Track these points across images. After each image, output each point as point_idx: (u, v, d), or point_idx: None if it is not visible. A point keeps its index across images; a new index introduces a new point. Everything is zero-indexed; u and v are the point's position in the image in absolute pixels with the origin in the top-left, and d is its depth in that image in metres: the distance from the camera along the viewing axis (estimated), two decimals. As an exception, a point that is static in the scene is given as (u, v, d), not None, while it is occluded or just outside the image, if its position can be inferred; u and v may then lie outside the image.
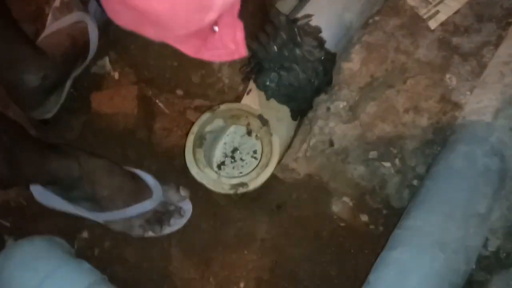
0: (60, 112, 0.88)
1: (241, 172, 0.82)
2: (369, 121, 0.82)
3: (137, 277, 0.78)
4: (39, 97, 0.82)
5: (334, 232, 0.78)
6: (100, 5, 0.48)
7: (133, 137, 0.87)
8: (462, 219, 0.64)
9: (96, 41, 0.88)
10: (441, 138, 0.77)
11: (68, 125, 0.88)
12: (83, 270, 0.69)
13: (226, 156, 0.85)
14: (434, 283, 0.61)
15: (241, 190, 0.76)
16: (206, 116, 0.81)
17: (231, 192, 0.76)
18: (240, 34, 0.52)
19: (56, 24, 0.86)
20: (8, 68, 0.77)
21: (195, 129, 0.79)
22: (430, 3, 0.87)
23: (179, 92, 0.91)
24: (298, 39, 0.76)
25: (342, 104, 0.83)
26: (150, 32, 0.46)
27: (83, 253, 0.78)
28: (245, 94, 0.84)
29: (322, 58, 0.78)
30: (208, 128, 0.82)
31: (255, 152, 0.85)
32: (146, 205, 0.76)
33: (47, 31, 0.86)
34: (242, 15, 0.50)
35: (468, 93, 0.79)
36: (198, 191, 0.81)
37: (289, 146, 0.84)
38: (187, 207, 0.81)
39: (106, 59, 0.92)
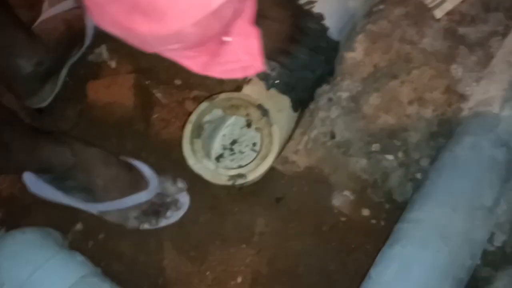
0: (56, 101, 0.86)
1: (240, 165, 0.80)
2: (372, 113, 0.80)
3: (132, 270, 0.76)
4: (34, 85, 0.81)
5: (334, 227, 0.76)
6: None
7: (130, 127, 0.85)
8: (467, 212, 0.62)
9: (92, 27, 0.86)
10: (446, 130, 0.76)
11: (64, 114, 0.86)
12: (75, 262, 0.68)
13: (225, 148, 0.83)
14: (437, 278, 0.59)
15: (239, 181, 0.74)
16: (204, 105, 0.79)
17: (229, 183, 0.74)
18: (255, 43, 0.46)
19: (52, 10, 0.84)
20: (0, 54, 0.76)
21: (193, 118, 0.77)
22: (436, -8, 0.85)
23: (178, 81, 0.89)
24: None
25: (344, 95, 0.82)
26: (143, 28, 0.39)
27: (77, 245, 0.76)
28: (245, 84, 0.82)
29: (324, 46, 0.76)
30: (207, 118, 0.80)
31: (254, 144, 0.83)
32: (142, 196, 0.75)
33: (42, 17, 0.84)
34: (260, 20, 0.44)
35: (475, 84, 0.78)
36: (196, 183, 0.79)
37: (289, 138, 0.82)
38: (184, 199, 0.79)
39: (103, 47, 0.91)
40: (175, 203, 0.78)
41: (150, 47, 0.43)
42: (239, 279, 0.75)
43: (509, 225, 0.65)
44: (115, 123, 0.84)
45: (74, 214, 0.78)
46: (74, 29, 0.84)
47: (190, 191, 0.80)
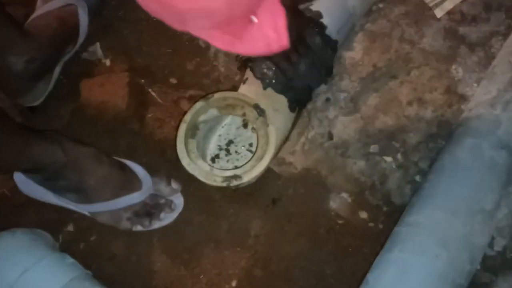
0: (49, 100, 0.85)
1: (235, 166, 0.79)
2: (371, 113, 0.79)
3: (124, 273, 0.74)
4: (26, 83, 0.79)
5: (331, 229, 0.75)
6: None
7: (124, 127, 0.84)
8: (466, 216, 0.61)
9: (86, 25, 0.85)
10: (445, 131, 0.75)
11: (56, 112, 0.85)
12: (65, 265, 0.66)
13: (220, 149, 0.82)
14: (436, 283, 0.58)
15: (234, 182, 0.72)
16: (199, 105, 0.77)
17: (224, 184, 0.72)
18: (282, 21, 0.47)
19: (46, 7, 0.83)
20: (-9, 52, 0.75)
21: (187, 118, 0.76)
22: (437, -9, 0.84)
23: (173, 80, 0.87)
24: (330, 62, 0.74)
25: (342, 95, 0.81)
26: (177, 3, 0.41)
27: (68, 247, 0.75)
28: (242, 83, 0.81)
29: (323, 45, 0.74)
30: (202, 118, 0.78)
31: (250, 145, 0.81)
32: (135, 197, 0.73)
33: (36, 13, 0.83)
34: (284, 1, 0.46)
35: (475, 84, 0.77)
36: (190, 184, 0.78)
37: (286, 138, 0.81)
38: (179, 201, 0.78)
39: (97, 45, 0.89)
40: (169, 205, 0.76)
41: (181, 24, 0.44)
42: (234, 283, 0.73)
43: (509, 229, 0.64)
44: (108, 122, 0.83)
45: (66, 215, 0.76)
46: (67, 26, 0.83)
47: (184, 192, 0.78)
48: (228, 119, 0.83)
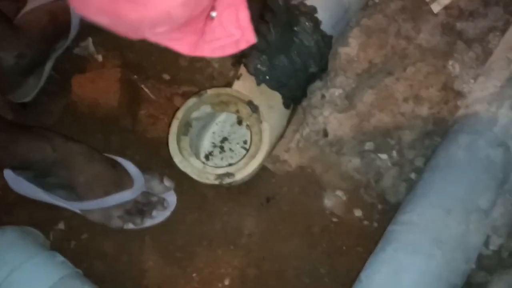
0: (40, 95, 0.84)
1: (230, 164, 0.78)
2: (366, 110, 0.78)
3: (115, 272, 0.73)
4: (16, 78, 0.78)
5: (326, 228, 0.74)
6: None
7: (116, 123, 0.82)
8: (462, 215, 0.60)
9: (78, 20, 0.83)
10: (441, 129, 0.74)
11: (48, 109, 0.84)
12: (55, 263, 0.65)
13: (214, 146, 0.81)
14: (430, 283, 0.57)
15: (227, 180, 0.71)
16: (192, 101, 0.76)
17: (216, 182, 0.71)
18: (244, 14, 0.42)
19: (37, 1, 0.82)
20: (-20, 47, 0.73)
21: (180, 114, 0.75)
22: (434, -14, 0.83)
23: (166, 76, 0.86)
24: (299, 25, 0.71)
25: (337, 92, 0.79)
26: (130, 14, 0.37)
27: (59, 245, 0.74)
28: (236, 79, 0.80)
29: (318, 41, 0.73)
30: (195, 115, 0.77)
31: (245, 142, 0.80)
32: (127, 195, 0.72)
33: (27, 8, 0.82)
34: None
35: (472, 81, 0.75)
36: (183, 182, 0.77)
37: (281, 136, 0.80)
38: (171, 198, 0.77)
39: (89, 40, 0.88)
40: (161, 203, 0.75)
41: (137, 33, 0.41)
42: (227, 282, 0.72)
43: (505, 228, 0.63)
44: (100, 118, 0.82)
45: (57, 212, 0.75)
46: (58, 20, 0.81)
47: (177, 190, 0.77)
48: (222, 116, 0.82)
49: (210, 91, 0.76)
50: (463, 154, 0.63)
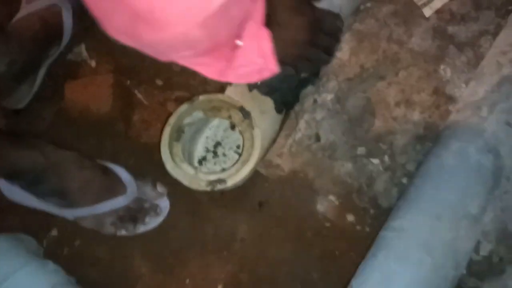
0: (33, 101, 0.84)
1: (223, 168, 0.78)
2: (358, 115, 0.77)
3: (108, 278, 0.74)
4: (8, 85, 0.78)
5: (318, 233, 0.74)
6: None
7: (109, 129, 0.82)
8: (452, 221, 0.60)
9: (70, 26, 0.83)
10: (433, 133, 0.73)
11: (40, 114, 0.84)
12: (47, 271, 0.66)
13: (207, 151, 0.81)
14: (420, 290, 0.57)
15: (219, 187, 0.71)
16: (184, 107, 0.76)
17: (208, 189, 0.71)
18: (267, 45, 0.44)
19: (29, 7, 0.81)
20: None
21: (172, 120, 0.75)
22: (425, -11, 0.83)
23: (159, 82, 0.86)
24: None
25: (330, 97, 0.79)
26: (149, 36, 0.38)
27: (52, 252, 0.75)
28: (229, 84, 0.80)
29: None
30: (187, 120, 0.77)
31: (238, 147, 0.80)
32: (119, 202, 0.72)
33: (19, 14, 0.81)
34: (273, 27, 0.43)
35: (464, 85, 0.75)
36: (176, 188, 0.76)
37: (273, 140, 0.80)
38: (164, 204, 0.77)
39: (82, 46, 0.88)
40: (154, 209, 0.75)
41: (163, 55, 0.42)
42: (220, 287, 0.73)
43: (496, 233, 0.63)
44: (93, 124, 0.82)
45: (49, 219, 0.76)
46: (50, 27, 0.81)
47: (170, 195, 0.77)
48: (215, 121, 0.82)
49: (202, 97, 0.76)
50: (453, 159, 0.63)
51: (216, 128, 0.82)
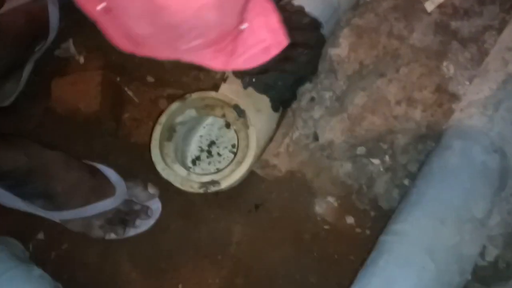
0: (19, 99, 0.82)
1: (217, 169, 0.76)
2: (358, 113, 0.75)
3: (97, 283, 0.72)
4: (-8, 82, 0.75)
5: (316, 235, 0.72)
6: None
7: (99, 127, 0.80)
8: (456, 224, 0.57)
9: (56, 21, 0.80)
10: (435, 132, 0.71)
11: (27, 112, 0.81)
12: (32, 277, 0.63)
13: (202, 150, 0.78)
14: (423, 297, 0.54)
15: (212, 189, 0.69)
16: (176, 105, 0.73)
17: (201, 191, 0.69)
18: (274, 17, 0.43)
19: (14, 1, 0.79)
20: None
21: (163, 119, 0.72)
22: (427, -17, 0.80)
23: (150, 79, 0.84)
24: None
25: (328, 94, 0.77)
26: (166, 16, 0.39)
27: (39, 256, 0.72)
28: (223, 82, 0.77)
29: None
30: (179, 119, 0.74)
31: (233, 146, 0.78)
32: (107, 204, 0.70)
33: (3, 9, 0.78)
34: None
35: (467, 82, 0.73)
36: (168, 188, 0.74)
37: (270, 140, 0.77)
38: (156, 206, 0.74)
39: (70, 42, 0.85)
40: (145, 211, 0.73)
41: (173, 49, 0.43)
42: (214, 292, 0.70)
43: (502, 238, 0.61)
44: (82, 123, 0.79)
45: (36, 222, 0.73)
46: (36, 22, 0.79)
47: (162, 196, 0.75)
48: (209, 119, 0.80)
49: (194, 95, 0.74)
50: (458, 160, 0.61)
51: (210, 126, 0.80)
